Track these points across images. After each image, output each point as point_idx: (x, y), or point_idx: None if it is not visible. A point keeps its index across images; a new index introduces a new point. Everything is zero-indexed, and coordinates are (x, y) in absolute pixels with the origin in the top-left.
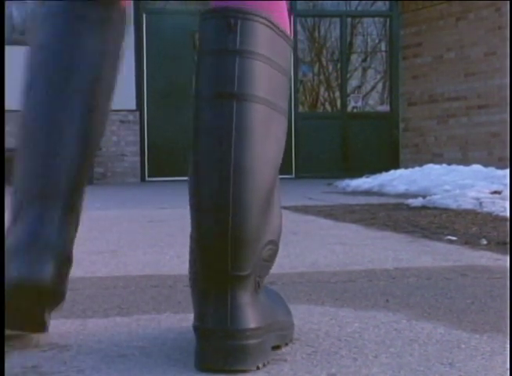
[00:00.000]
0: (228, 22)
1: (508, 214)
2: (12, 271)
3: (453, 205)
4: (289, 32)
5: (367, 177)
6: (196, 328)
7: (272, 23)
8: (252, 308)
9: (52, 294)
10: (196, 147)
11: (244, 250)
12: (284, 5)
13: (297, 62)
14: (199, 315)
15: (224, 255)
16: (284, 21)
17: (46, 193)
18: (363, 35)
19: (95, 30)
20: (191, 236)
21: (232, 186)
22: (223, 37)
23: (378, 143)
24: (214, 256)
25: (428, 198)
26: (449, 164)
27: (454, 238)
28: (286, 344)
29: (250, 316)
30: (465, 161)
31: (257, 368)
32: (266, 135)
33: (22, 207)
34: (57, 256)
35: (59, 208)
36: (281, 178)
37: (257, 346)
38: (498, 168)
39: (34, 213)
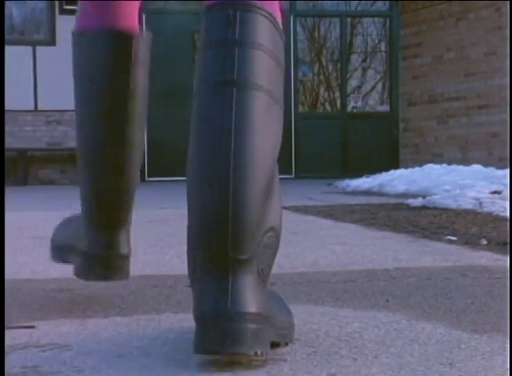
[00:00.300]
0: (228, 14)
1: (508, 214)
2: (90, 272)
3: (453, 205)
4: (281, 26)
5: (367, 177)
6: (195, 310)
7: (271, 15)
8: (253, 293)
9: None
10: (196, 134)
11: (244, 233)
12: (277, 1)
13: (297, 62)
14: (199, 297)
15: (224, 238)
16: (278, 14)
17: (107, 222)
18: (363, 35)
19: None
20: (188, 226)
21: (232, 173)
22: (223, 29)
23: (378, 143)
24: (215, 239)
25: (428, 198)
26: (449, 164)
27: (454, 238)
28: (286, 344)
29: (250, 301)
30: (465, 161)
31: (255, 354)
32: (266, 122)
33: (88, 228)
34: (125, 259)
35: (118, 229)
36: (281, 178)
37: (255, 331)
38: (498, 168)
39: (101, 234)
